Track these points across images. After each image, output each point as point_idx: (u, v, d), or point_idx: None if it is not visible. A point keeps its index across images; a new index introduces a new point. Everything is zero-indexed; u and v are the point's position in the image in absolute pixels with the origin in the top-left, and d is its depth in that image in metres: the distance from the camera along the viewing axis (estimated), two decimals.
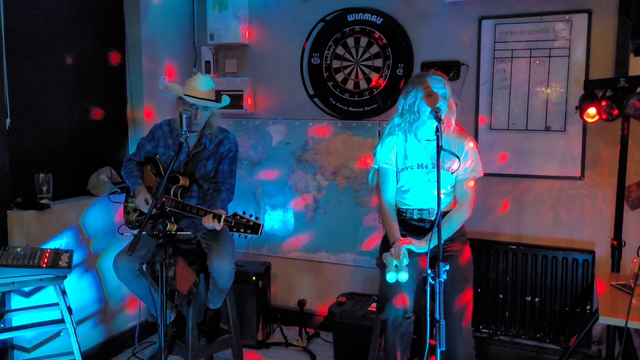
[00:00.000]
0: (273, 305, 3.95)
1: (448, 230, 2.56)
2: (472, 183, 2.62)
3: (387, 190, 2.68)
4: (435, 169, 2.50)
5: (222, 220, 2.61)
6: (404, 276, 2.29)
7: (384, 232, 2.73)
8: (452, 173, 2.62)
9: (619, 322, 2.26)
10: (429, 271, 2.01)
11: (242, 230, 2.56)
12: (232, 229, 2.59)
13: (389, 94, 3.62)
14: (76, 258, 3.17)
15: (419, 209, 2.64)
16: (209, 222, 2.64)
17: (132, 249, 2.37)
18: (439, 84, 2.52)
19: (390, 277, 2.30)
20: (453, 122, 2.60)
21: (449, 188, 2.63)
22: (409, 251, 2.46)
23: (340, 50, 3.75)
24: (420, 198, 2.63)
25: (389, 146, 2.66)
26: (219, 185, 3.01)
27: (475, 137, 3.45)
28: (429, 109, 2.41)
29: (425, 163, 2.61)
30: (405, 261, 2.35)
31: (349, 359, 3.31)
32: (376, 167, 2.72)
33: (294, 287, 4.05)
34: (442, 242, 2.16)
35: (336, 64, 3.77)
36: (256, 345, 3.66)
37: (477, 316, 3.37)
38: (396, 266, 2.32)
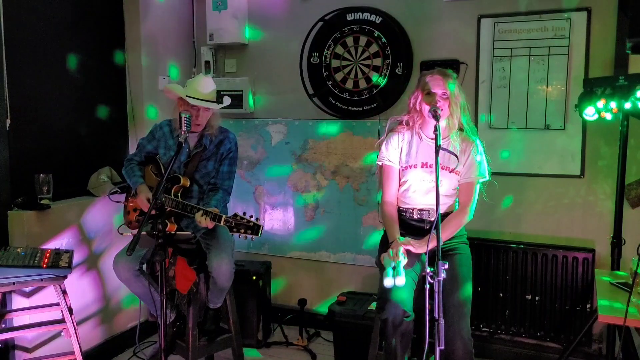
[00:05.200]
0: (273, 304, 3.95)
1: (447, 232, 2.54)
2: (475, 186, 2.59)
3: (389, 188, 2.68)
4: (440, 170, 2.52)
5: (222, 221, 2.60)
6: (400, 281, 2.26)
7: (383, 231, 2.73)
8: (456, 174, 2.59)
9: (618, 320, 2.26)
10: (428, 269, 2.00)
11: (242, 230, 2.55)
12: (232, 229, 2.57)
13: (389, 93, 3.62)
14: (76, 258, 3.17)
15: (419, 209, 2.63)
16: (198, 219, 2.65)
17: (131, 249, 2.37)
18: (436, 83, 2.52)
19: (388, 282, 2.27)
20: (456, 121, 2.57)
21: (452, 190, 2.62)
22: (408, 251, 2.45)
23: (339, 49, 3.75)
24: (421, 197, 2.62)
25: (394, 143, 2.66)
26: (217, 186, 3.01)
27: None
28: (427, 108, 2.45)
29: (429, 162, 2.59)
30: (402, 262, 2.34)
31: (350, 358, 3.31)
32: (380, 163, 2.72)
33: (294, 286, 4.05)
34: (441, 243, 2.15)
35: (335, 63, 3.77)
36: (256, 345, 3.67)
37: (477, 315, 3.37)
38: (394, 268, 2.30)
